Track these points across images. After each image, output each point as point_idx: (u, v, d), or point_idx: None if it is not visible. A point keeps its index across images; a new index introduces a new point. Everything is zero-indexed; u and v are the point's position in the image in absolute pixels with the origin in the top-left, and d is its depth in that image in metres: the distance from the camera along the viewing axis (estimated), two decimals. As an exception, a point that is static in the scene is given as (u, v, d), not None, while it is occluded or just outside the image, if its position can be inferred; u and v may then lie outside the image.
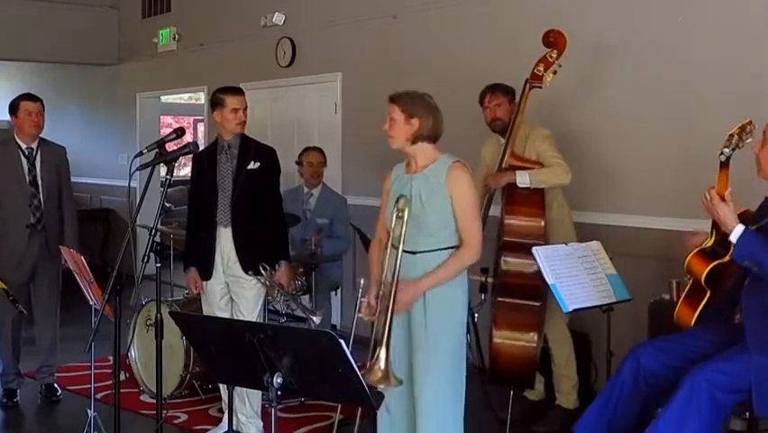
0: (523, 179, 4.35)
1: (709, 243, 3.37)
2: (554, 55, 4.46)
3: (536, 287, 4.21)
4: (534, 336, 4.29)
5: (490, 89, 4.70)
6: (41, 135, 5.08)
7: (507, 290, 4.33)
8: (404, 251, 3.28)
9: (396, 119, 3.34)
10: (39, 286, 5.07)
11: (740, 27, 4.56)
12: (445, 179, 3.27)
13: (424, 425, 3.28)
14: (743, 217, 3.21)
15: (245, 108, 4.35)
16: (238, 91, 4.36)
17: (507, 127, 4.57)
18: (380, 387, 3.17)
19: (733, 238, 3.13)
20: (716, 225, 3.35)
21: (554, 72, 4.48)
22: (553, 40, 4.48)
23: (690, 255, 3.38)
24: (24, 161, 4.96)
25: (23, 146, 4.98)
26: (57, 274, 5.05)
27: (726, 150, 3.18)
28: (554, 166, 4.42)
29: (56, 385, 5.22)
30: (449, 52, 6.09)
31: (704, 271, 3.32)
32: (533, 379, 4.54)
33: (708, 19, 4.70)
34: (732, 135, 3.17)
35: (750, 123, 3.18)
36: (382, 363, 3.12)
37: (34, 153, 4.99)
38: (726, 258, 3.25)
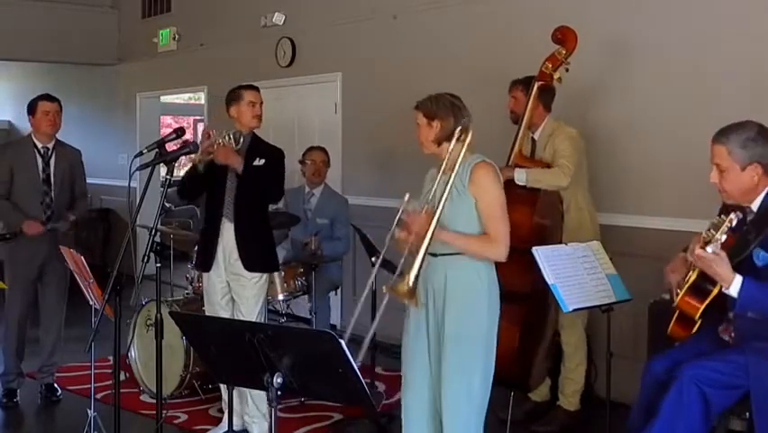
0: (520, 177, 4.32)
1: (693, 276, 3.25)
2: (563, 52, 4.36)
3: (528, 291, 4.18)
4: (513, 337, 4.14)
5: (512, 82, 4.67)
6: (57, 137, 5.13)
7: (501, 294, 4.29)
8: (430, 253, 3.21)
9: (420, 124, 3.35)
10: (47, 285, 5.09)
11: (753, 28, 4.56)
12: (468, 181, 3.24)
13: (449, 423, 3.25)
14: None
15: (261, 103, 4.43)
16: (254, 87, 4.47)
17: (519, 121, 4.54)
18: (404, 301, 3.11)
19: (733, 292, 3.03)
20: None
21: (566, 70, 4.40)
22: (562, 36, 4.39)
23: (680, 297, 3.27)
24: (39, 159, 5.04)
25: (39, 145, 5.06)
26: (65, 274, 5.05)
27: (710, 246, 2.99)
28: (556, 167, 4.39)
29: (56, 385, 5.22)
30: (449, 52, 6.09)
31: (698, 311, 3.23)
32: (524, 382, 4.38)
33: (721, 20, 4.69)
34: (717, 240, 2.99)
35: (731, 219, 3.01)
36: (411, 280, 3.06)
37: (50, 153, 5.07)
38: (715, 292, 3.15)
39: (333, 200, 5.93)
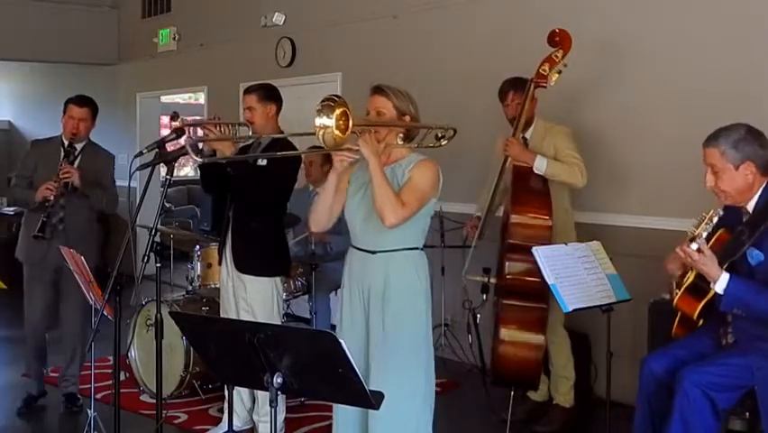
0: (540, 165, 4.35)
1: (690, 278, 3.32)
2: (560, 54, 4.42)
3: (543, 289, 4.21)
4: (541, 337, 4.30)
5: (513, 87, 4.61)
6: (92, 140, 5.14)
7: (514, 292, 4.32)
8: (361, 249, 3.23)
9: (383, 112, 3.43)
10: (65, 289, 4.85)
11: (743, 30, 4.57)
12: (412, 168, 3.20)
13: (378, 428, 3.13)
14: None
15: (249, 108, 4.51)
16: (247, 89, 4.72)
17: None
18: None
19: (719, 289, 3.09)
20: None
21: (560, 72, 4.43)
22: (559, 39, 4.44)
23: (678, 298, 3.36)
24: (62, 156, 4.90)
25: (66, 144, 4.97)
26: None
27: (694, 244, 3.05)
28: (572, 165, 4.41)
29: (78, 395, 5.03)
30: (449, 52, 6.08)
31: (695, 310, 3.31)
32: (538, 380, 4.50)
33: (711, 22, 4.70)
34: (700, 235, 3.06)
35: (711, 216, 3.07)
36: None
37: (77, 153, 4.96)
38: (712, 292, 3.20)
39: None
